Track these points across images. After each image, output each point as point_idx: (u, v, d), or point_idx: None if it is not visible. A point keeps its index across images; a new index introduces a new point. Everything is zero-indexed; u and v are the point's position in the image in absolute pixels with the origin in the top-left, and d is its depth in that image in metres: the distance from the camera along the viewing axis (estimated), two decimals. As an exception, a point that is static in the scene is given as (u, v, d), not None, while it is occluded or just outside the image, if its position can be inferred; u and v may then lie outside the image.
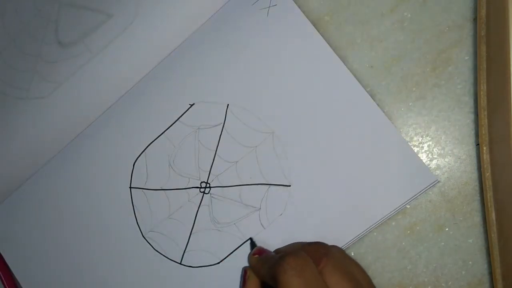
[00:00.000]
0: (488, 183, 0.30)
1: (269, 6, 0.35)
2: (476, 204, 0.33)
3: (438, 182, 0.33)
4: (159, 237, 0.37)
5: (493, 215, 0.30)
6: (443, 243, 0.34)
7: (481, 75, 0.31)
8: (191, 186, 0.36)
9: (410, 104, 0.34)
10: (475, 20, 0.33)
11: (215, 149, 0.36)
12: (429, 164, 0.34)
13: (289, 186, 0.34)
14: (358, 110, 0.34)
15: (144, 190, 0.37)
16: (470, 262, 0.33)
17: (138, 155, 0.37)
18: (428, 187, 0.33)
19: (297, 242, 0.34)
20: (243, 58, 0.35)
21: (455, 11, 0.34)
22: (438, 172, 0.34)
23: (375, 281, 0.34)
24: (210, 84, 0.36)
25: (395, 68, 0.34)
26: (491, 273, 0.32)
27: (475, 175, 0.33)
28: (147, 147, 0.37)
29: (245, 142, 0.35)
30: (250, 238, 0.35)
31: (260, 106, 0.35)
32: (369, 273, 0.34)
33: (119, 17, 0.35)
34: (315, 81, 0.34)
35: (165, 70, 0.36)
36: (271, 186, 0.35)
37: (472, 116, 0.33)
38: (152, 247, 0.37)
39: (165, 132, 0.37)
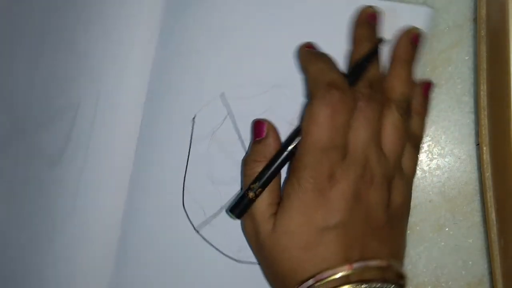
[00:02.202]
0: (488, 183, 0.30)
1: None
2: (476, 204, 0.33)
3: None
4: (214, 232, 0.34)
5: (493, 215, 0.30)
6: (443, 243, 0.34)
7: (481, 75, 0.31)
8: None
9: (410, 104, 0.34)
10: (475, 20, 0.33)
11: (240, 138, 0.34)
12: (429, 164, 0.34)
13: None
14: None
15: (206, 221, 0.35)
16: (470, 262, 0.33)
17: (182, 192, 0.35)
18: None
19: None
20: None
21: (455, 11, 0.34)
22: (438, 172, 0.34)
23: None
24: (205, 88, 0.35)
25: (395, 68, 0.34)
26: (491, 273, 0.32)
27: (475, 175, 0.33)
28: (184, 182, 0.35)
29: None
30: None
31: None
32: (369, 273, 0.34)
33: (86, 101, 0.34)
34: None
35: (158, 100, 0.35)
36: None
37: (472, 116, 0.33)
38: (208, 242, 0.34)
39: (189, 158, 0.35)
